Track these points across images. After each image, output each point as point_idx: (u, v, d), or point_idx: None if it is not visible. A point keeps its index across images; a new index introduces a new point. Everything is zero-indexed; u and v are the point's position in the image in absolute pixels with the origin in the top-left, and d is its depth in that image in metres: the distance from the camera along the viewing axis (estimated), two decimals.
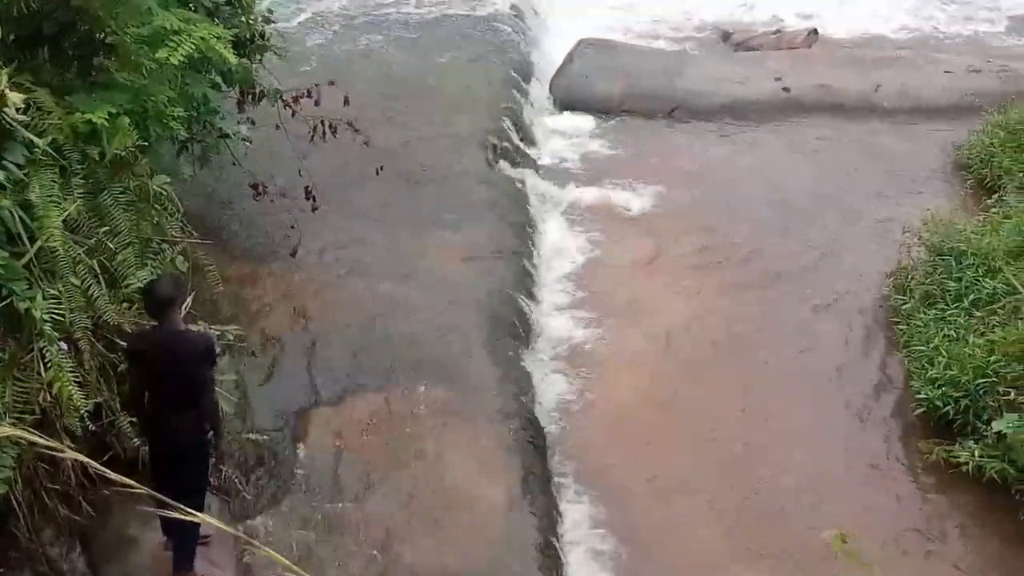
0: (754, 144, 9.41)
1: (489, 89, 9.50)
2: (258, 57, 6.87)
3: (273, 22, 7.13)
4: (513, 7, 11.03)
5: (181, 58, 5.22)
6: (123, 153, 5.11)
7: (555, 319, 7.26)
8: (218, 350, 5.07)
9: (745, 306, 7.37)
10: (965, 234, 7.10)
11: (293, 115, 6.97)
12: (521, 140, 9.08)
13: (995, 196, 7.95)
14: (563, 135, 9.55)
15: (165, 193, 5.47)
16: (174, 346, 4.57)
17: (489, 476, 5.64)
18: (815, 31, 11.28)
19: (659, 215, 8.38)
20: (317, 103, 6.96)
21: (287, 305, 6.75)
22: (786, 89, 9.97)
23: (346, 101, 7.18)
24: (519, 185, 8.46)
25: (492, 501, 5.51)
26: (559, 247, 7.99)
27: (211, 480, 5.12)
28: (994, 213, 7.52)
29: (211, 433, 4.70)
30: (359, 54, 9.66)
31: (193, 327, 5.21)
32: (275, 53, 7.00)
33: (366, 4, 10.55)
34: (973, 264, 6.81)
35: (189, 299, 5.53)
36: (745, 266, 7.77)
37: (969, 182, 8.54)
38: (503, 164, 8.59)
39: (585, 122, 9.69)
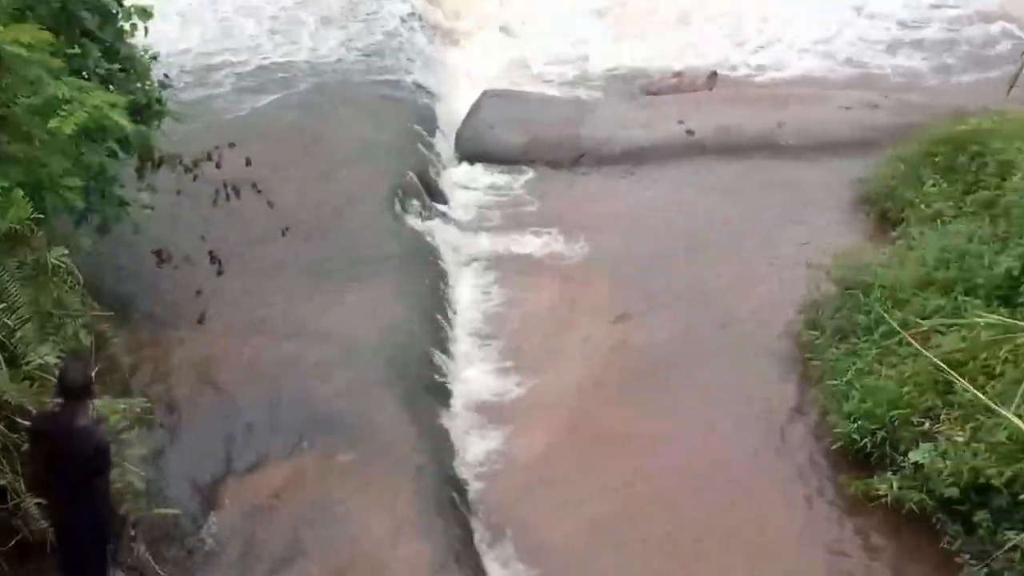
0: (660, 187, 9.47)
1: (394, 143, 9.46)
2: (156, 123, 6.78)
3: (170, 86, 7.04)
4: (414, 60, 10.99)
5: (74, 127, 5.12)
6: (18, 227, 4.98)
7: (470, 372, 7.21)
8: (113, 448, 4.86)
9: (658, 348, 7.38)
10: (872, 267, 7.19)
11: (195, 179, 6.86)
12: (428, 193, 9.04)
13: (899, 228, 8.06)
14: (470, 186, 9.54)
15: (64, 266, 5.33)
16: (67, 440, 4.45)
17: (411, 538, 5.54)
18: (715, 73, 11.43)
19: (569, 261, 8.39)
20: (218, 166, 6.87)
21: (195, 372, 6.62)
22: (690, 132, 10.07)
23: (248, 162, 7.10)
24: (428, 238, 8.42)
25: (415, 563, 5.41)
26: (471, 298, 7.96)
27: (118, 561, 4.97)
28: (899, 245, 7.62)
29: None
30: (259, 113, 9.55)
31: (99, 402, 5.05)
32: (173, 118, 6.91)
33: (265, 62, 10.43)
34: (881, 297, 6.88)
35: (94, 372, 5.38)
36: (656, 309, 7.78)
37: (873, 215, 8.66)
38: (411, 218, 8.55)
39: (492, 173, 9.69)
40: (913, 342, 5.99)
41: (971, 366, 5.89)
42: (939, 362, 5.39)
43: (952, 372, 5.16)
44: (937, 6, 13.15)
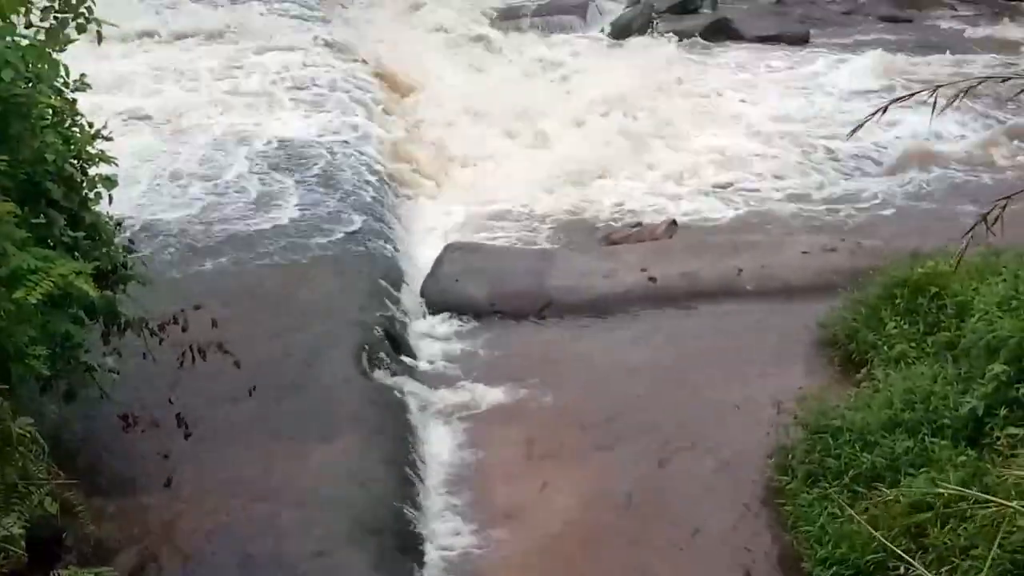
0: (624, 335, 9.55)
1: (359, 298, 9.49)
2: (121, 287, 6.80)
3: (135, 251, 7.07)
4: (378, 214, 11.11)
5: (40, 297, 5.13)
6: None
7: (441, 527, 7.13)
8: None
9: (626, 497, 7.34)
10: (839, 410, 7.24)
11: (160, 343, 6.85)
12: (395, 347, 9.05)
13: (863, 370, 8.15)
14: (436, 339, 9.56)
15: (29, 435, 5.28)
16: None
17: None
18: (674, 222, 11.66)
19: (536, 412, 8.37)
20: (184, 328, 6.87)
21: (164, 539, 6.51)
22: (652, 279, 10.19)
23: (214, 323, 7.09)
24: (395, 392, 8.39)
25: None
26: (439, 452, 7.91)
27: None
28: (865, 388, 7.70)
29: None
30: (225, 274, 9.58)
31: (64, 572, 4.96)
32: (138, 282, 6.94)
33: (229, 224, 10.51)
34: (850, 440, 6.91)
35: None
36: (623, 458, 7.75)
37: (837, 358, 8.74)
38: (378, 372, 8.53)
39: (458, 325, 9.73)
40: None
41: (941, 509, 5.90)
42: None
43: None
44: (883, 147, 13.50)
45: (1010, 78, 4.07)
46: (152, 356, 6.89)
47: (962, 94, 3.87)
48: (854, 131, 4.61)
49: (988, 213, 4.02)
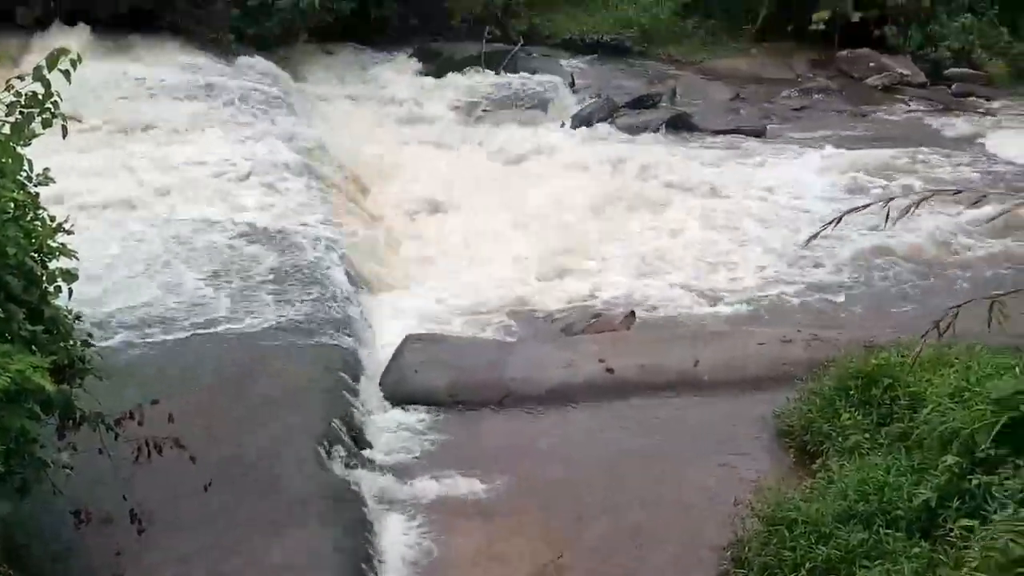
0: (583, 426, 9.60)
1: (318, 390, 9.50)
2: (78, 381, 6.79)
3: (93, 345, 7.06)
4: (338, 306, 11.14)
5: None
6: None
7: None
8: None
9: None
10: (794, 502, 7.29)
11: (116, 437, 6.82)
12: (353, 439, 9.04)
13: (818, 461, 8.22)
14: (396, 431, 9.54)
15: None
16: None
17: None
18: (633, 313, 11.77)
19: (497, 505, 8.36)
20: (141, 423, 6.85)
21: None
22: (610, 370, 10.26)
23: (170, 418, 7.08)
24: (353, 486, 8.36)
25: None
26: (397, 547, 7.86)
27: None
28: (820, 478, 7.76)
29: None
30: (183, 368, 9.55)
31: None
32: (96, 376, 6.92)
33: (187, 315, 10.49)
34: (805, 532, 6.96)
35: None
36: (582, 550, 7.76)
37: (792, 449, 8.83)
38: (336, 465, 8.50)
39: (417, 417, 9.73)
40: None
41: None
42: None
43: None
44: (838, 242, 13.71)
45: (960, 191, 4.21)
46: (107, 451, 6.85)
47: (914, 207, 4.02)
48: (810, 240, 4.76)
49: (940, 320, 4.16)
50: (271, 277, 11.48)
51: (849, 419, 8.35)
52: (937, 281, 13.18)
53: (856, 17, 24.32)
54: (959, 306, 4.53)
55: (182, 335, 10.09)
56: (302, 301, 11.02)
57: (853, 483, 7.24)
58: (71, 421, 6.73)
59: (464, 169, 17.09)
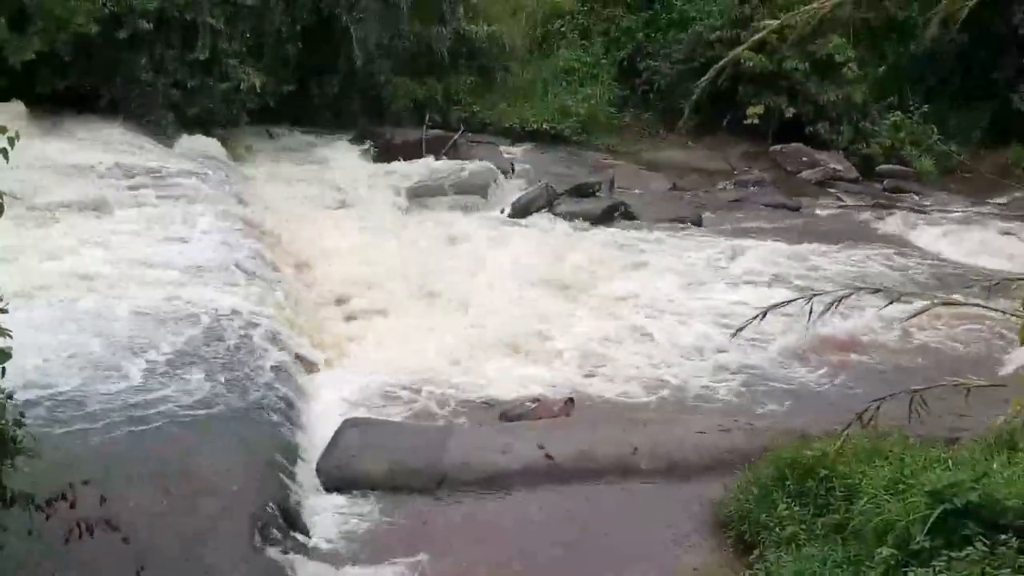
0: (522, 513, 9.56)
1: (254, 473, 9.37)
2: (9, 461, 6.64)
3: (25, 424, 6.93)
4: (276, 389, 11.04)
5: None
6: None
7: None
8: None
9: None
10: None
11: (47, 519, 6.67)
12: (289, 524, 8.92)
13: (756, 552, 8.24)
14: (332, 516, 9.44)
15: None
16: None
17: None
18: (571, 399, 11.80)
19: None
20: (72, 504, 6.69)
21: None
22: (548, 456, 10.25)
23: (103, 499, 6.94)
24: (288, 571, 8.24)
25: None
26: None
27: None
28: (757, 570, 7.78)
29: None
30: (118, 448, 9.37)
31: None
32: (28, 455, 6.78)
33: (120, 395, 10.31)
34: None
35: None
36: None
37: (730, 539, 8.84)
38: (271, 550, 8.39)
39: (354, 502, 9.65)
40: None
41: None
42: None
43: None
44: (770, 334, 13.88)
45: (879, 289, 4.34)
46: (38, 532, 6.70)
47: (838, 301, 4.14)
48: (737, 332, 4.88)
49: (864, 412, 4.25)
50: (204, 358, 11.32)
51: (786, 510, 8.39)
52: (863, 374, 13.38)
53: (790, 112, 24.93)
54: (882, 399, 4.64)
55: (115, 417, 9.88)
56: (236, 383, 10.89)
57: (790, 575, 7.26)
58: (1, 501, 6.58)
59: (402, 253, 17.12)
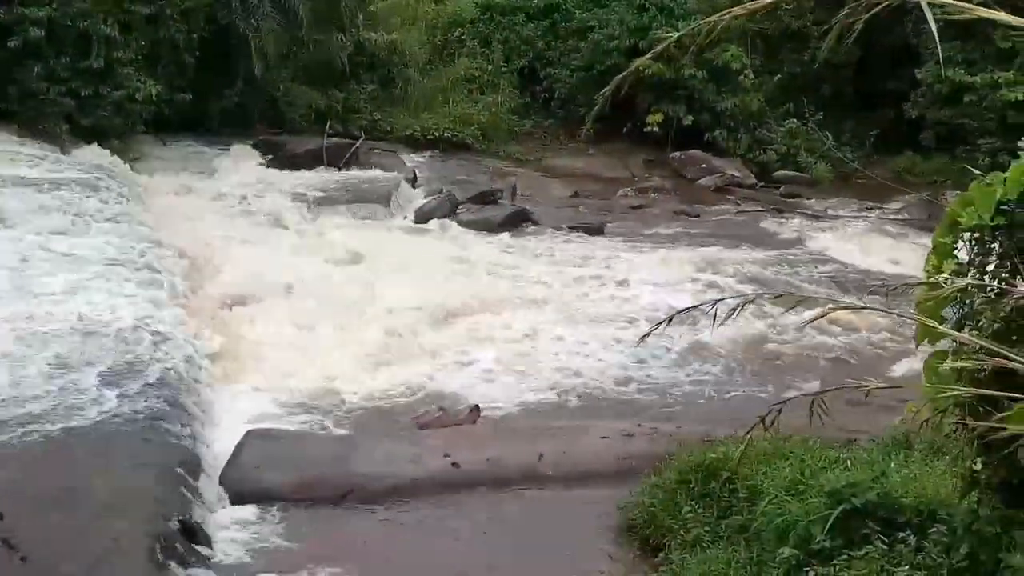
0: (428, 523, 9.52)
1: (155, 487, 9.20)
2: None
3: None
4: (177, 400, 10.86)
5: None
6: None
7: None
8: None
9: None
10: None
11: None
12: (192, 539, 8.76)
13: (661, 555, 8.33)
14: (236, 529, 9.29)
15: None
16: None
17: None
18: (477, 407, 11.79)
19: None
20: None
21: None
22: (455, 464, 10.23)
23: (0, 517, 6.80)
24: None
25: None
26: None
27: None
28: (662, 572, 7.86)
29: None
30: (12, 464, 9.14)
31: None
32: None
33: (15, 409, 10.04)
34: None
35: None
36: None
37: (636, 543, 8.91)
38: (173, 566, 8.23)
39: (259, 514, 9.50)
40: None
41: None
42: None
43: None
44: (672, 338, 14.04)
45: (780, 295, 4.43)
46: None
47: (740, 307, 4.22)
48: (643, 338, 4.94)
49: (766, 416, 4.35)
50: (102, 371, 11.09)
51: (690, 512, 8.49)
52: (764, 377, 13.64)
53: (688, 120, 25.28)
54: (783, 402, 4.73)
55: (8, 433, 9.65)
56: (136, 395, 10.68)
57: None
58: None
59: (302, 262, 16.97)
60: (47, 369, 10.96)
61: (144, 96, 20.57)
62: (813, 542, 6.84)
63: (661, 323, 4.79)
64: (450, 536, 9.27)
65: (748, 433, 4.35)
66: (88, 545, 8.16)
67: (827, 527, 6.86)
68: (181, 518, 8.84)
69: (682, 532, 8.37)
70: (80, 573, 7.77)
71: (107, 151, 19.99)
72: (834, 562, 6.62)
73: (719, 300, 4.41)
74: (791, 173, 25.21)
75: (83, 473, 9.23)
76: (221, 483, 9.90)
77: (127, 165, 20.12)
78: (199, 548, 8.72)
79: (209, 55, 22.39)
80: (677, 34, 4.22)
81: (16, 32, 19.18)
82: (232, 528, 9.29)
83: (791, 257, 19.26)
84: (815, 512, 7.00)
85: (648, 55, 4.44)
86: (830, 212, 23.20)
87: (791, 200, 24.00)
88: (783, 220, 22.30)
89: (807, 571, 6.70)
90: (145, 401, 10.62)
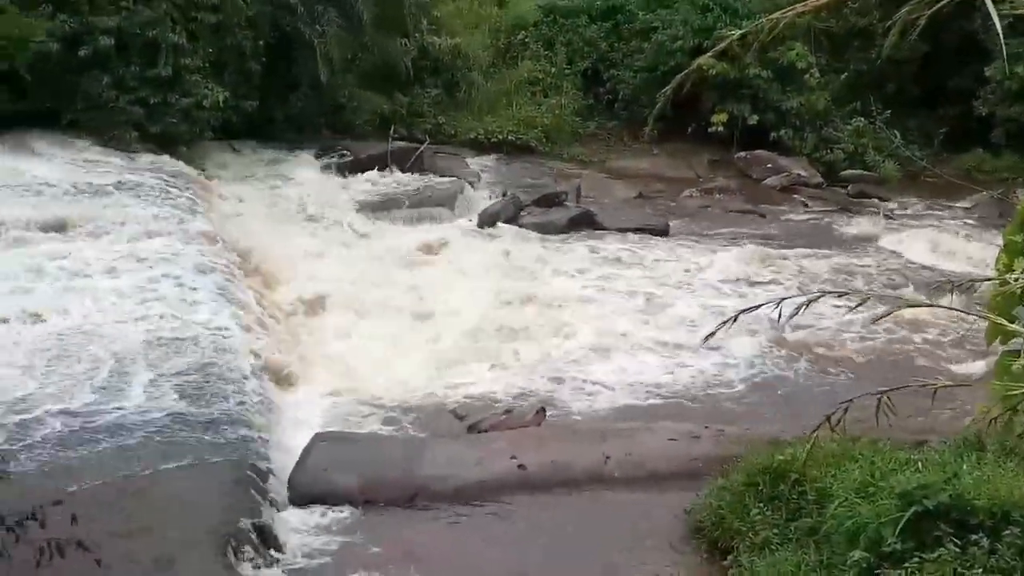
0: (495, 525, 9.57)
1: (225, 490, 9.35)
2: None
3: None
4: (245, 403, 11.00)
5: None
6: None
7: None
8: None
9: None
10: None
11: (17, 540, 6.61)
12: (262, 540, 8.88)
13: (729, 557, 8.27)
14: (305, 532, 9.41)
15: None
16: None
17: None
18: (543, 409, 11.78)
19: None
20: (43, 525, 6.64)
21: None
22: (521, 467, 10.25)
23: (74, 519, 6.88)
24: None
25: None
26: None
27: None
28: (731, 574, 7.81)
29: None
30: (89, 468, 9.33)
31: None
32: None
33: (91, 415, 10.25)
34: None
35: None
36: None
37: (704, 545, 8.87)
38: (244, 567, 8.36)
39: (327, 517, 9.60)
40: None
41: None
42: None
43: None
44: (740, 338, 13.93)
45: (846, 293, 4.36)
46: (8, 554, 6.64)
47: (805, 305, 4.16)
48: (708, 338, 4.90)
49: (832, 415, 4.29)
50: (175, 375, 11.30)
51: (759, 515, 8.44)
52: (831, 376, 13.51)
53: (753, 120, 25.06)
54: (849, 401, 4.66)
55: (86, 436, 9.85)
56: (208, 398, 10.87)
57: None
58: None
59: (370, 266, 17.08)
60: (119, 372, 11.16)
61: (211, 103, 20.78)
62: (884, 544, 6.77)
63: (725, 323, 4.74)
64: (514, 538, 9.30)
65: (814, 433, 4.30)
66: (160, 546, 8.29)
67: (898, 529, 6.78)
68: (251, 520, 8.96)
69: (751, 535, 8.33)
70: (153, 573, 7.89)
71: (175, 158, 20.23)
72: (906, 565, 6.55)
73: (783, 299, 4.36)
74: (858, 172, 24.87)
75: (155, 476, 9.40)
76: (289, 486, 10.00)
77: (195, 172, 20.36)
78: (268, 550, 8.82)
79: (274, 62, 22.57)
80: (739, 32, 4.18)
81: (86, 42, 19.50)
82: (300, 529, 9.40)
83: (859, 256, 19.04)
84: (886, 514, 6.92)
85: (709, 53, 4.41)
86: (899, 211, 22.89)
87: (859, 199, 23.69)
88: (851, 219, 22.04)
89: (878, 574, 6.64)
90: (215, 404, 10.78)
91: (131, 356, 11.57)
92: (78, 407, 10.35)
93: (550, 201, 21.37)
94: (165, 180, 18.62)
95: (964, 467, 7.68)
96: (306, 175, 21.70)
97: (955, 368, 13.69)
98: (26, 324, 12.18)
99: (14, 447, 9.30)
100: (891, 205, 23.18)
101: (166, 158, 20.01)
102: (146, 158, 19.81)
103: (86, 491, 8.58)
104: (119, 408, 10.42)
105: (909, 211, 22.86)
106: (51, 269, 13.95)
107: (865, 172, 24.86)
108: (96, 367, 11.21)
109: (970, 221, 21.67)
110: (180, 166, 19.93)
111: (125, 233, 15.60)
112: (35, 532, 6.67)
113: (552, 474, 10.20)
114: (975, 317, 5.04)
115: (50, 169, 17.98)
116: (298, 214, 19.64)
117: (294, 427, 11.31)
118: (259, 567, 8.44)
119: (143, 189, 17.68)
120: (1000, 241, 4.93)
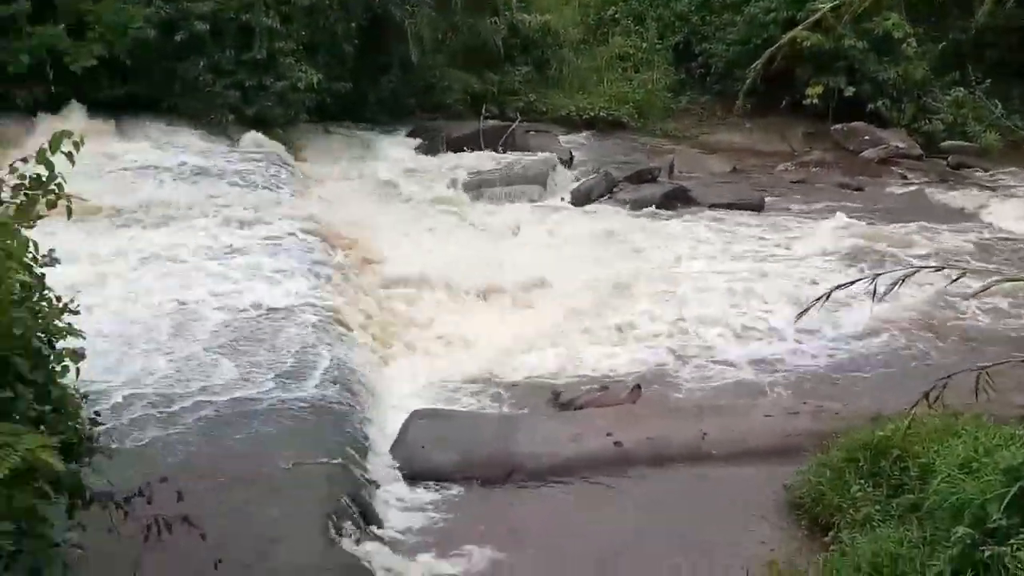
0: (591, 501, 9.57)
1: (326, 466, 9.46)
2: (87, 460, 6.74)
3: (101, 423, 7.04)
4: (343, 382, 11.13)
5: (7, 472, 5.10)
6: None
7: None
8: None
9: None
10: None
11: (125, 516, 6.77)
12: (362, 515, 9.00)
13: (830, 534, 8.19)
14: (405, 507, 9.51)
15: None
16: None
17: None
18: (639, 387, 11.74)
19: None
20: (149, 501, 6.79)
21: None
22: (617, 444, 10.24)
23: (180, 496, 7.03)
24: (364, 563, 8.31)
25: None
26: None
27: None
28: (833, 551, 7.73)
29: None
30: (192, 445, 9.53)
31: None
32: (104, 454, 6.88)
33: (194, 393, 10.46)
34: None
35: None
36: None
37: (804, 521, 8.79)
38: (346, 542, 8.46)
39: (425, 493, 9.71)
40: None
41: None
42: None
43: None
44: (837, 313, 13.72)
45: (943, 268, 4.28)
46: (117, 530, 6.80)
47: (900, 281, 4.09)
48: (802, 313, 4.85)
49: (930, 391, 4.21)
50: (274, 354, 11.49)
51: (859, 491, 8.34)
52: (931, 353, 13.26)
53: (849, 91, 24.63)
54: (948, 376, 4.58)
55: (188, 414, 10.06)
56: (305, 377, 11.03)
57: (866, 556, 7.22)
58: (80, 500, 6.68)
59: (464, 245, 17.17)
60: (221, 352, 11.39)
61: (306, 85, 21.01)
62: (989, 521, 6.63)
63: (821, 298, 4.70)
64: (614, 516, 9.29)
65: (912, 408, 4.23)
66: (264, 522, 8.44)
67: (1004, 505, 6.63)
68: (352, 496, 9.08)
69: (851, 511, 8.23)
70: (256, 550, 8.04)
71: (272, 140, 20.52)
72: (1011, 541, 6.40)
73: (879, 274, 4.30)
74: (959, 143, 24.35)
75: (257, 452, 9.56)
76: (388, 462, 10.11)
77: (291, 153, 20.63)
78: (369, 526, 8.94)
79: (366, 43, 22.73)
80: (833, 3, 4.12)
81: (181, 27, 19.86)
82: (400, 506, 9.50)
83: (961, 229, 18.64)
84: (991, 490, 6.76)
85: (802, 25, 4.35)
86: (1001, 182, 22.35)
87: (959, 171, 23.20)
88: (952, 191, 21.58)
89: (982, 550, 6.49)
90: (314, 383, 10.94)
91: (230, 335, 11.79)
92: (183, 384, 10.59)
93: (643, 177, 21.25)
94: (262, 162, 18.95)
95: None
96: (399, 155, 21.83)
97: None
98: (125, 306, 12.48)
99: (122, 424, 9.54)
100: (993, 177, 22.66)
101: (262, 139, 20.30)
102: (242, 140, 20.11)
103: (189, 467, 8.76)
104: (218, 387, 10.63)
105: (1012, 182, 22.30)
106: (149, 249, 14.36)
107: (965, 143, 24.33)
108: (199, 345, 11.46)
109: None
110: (276, 148, 20.22)
111: (221, 214, 15.94)
112: (142, 508, 6.83)
113: (648, 451, 10.18)
114: None
115: (147, 152, 18.45)
116: (392, 193, 19.78)
117: (392, 405, 11.43)
118: (360, 542, 8.54)
119: (239, 171, 18.03)
120: None
